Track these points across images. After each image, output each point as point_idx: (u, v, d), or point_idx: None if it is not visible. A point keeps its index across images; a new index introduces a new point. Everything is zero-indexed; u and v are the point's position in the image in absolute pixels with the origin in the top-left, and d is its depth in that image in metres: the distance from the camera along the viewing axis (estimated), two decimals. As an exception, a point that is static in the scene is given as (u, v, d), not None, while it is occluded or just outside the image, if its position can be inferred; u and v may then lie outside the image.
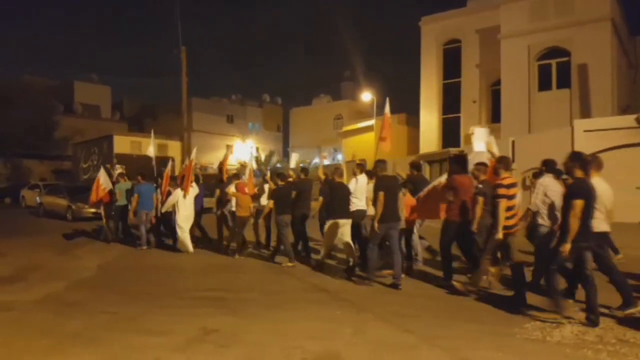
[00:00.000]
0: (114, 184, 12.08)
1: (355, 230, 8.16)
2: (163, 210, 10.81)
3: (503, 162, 6.44)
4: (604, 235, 5.82)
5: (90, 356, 4.45)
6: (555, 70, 21.76)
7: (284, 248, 9.07)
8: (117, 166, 15.44)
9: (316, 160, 42.27)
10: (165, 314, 5.89)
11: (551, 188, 6.30)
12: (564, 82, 21.40)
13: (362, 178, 8.45)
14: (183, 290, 7.28)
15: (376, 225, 7.05)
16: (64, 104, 41.78)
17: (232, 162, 43.24)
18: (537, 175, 7.14)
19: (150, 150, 13.55)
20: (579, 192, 5.18)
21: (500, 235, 5.98)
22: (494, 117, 25.22)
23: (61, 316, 5.80)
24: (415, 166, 9.41)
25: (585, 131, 15.71)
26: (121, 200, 11.70)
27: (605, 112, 19.18)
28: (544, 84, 21.93)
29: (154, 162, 13.21)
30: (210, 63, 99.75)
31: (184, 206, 10.42)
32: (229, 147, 12.51)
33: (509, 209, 6.05)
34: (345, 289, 7.10)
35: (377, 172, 7.59)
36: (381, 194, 6.99)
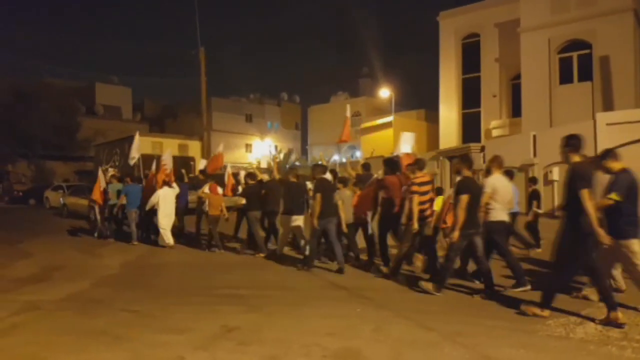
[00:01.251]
0: (107, 184, 12.81)
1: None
2: (147, 209, 11.46)
3: (418, 164, 7.42)
4: (501, 224, 6.60)
5: (113, 354, 4.52)
6: (576, 63, 21.36)
7: (256, 241, 9.87)
8: (110, 169, 16.39)
9: (335, 157, 42.25)
10: (187, 312, 5.94)
11: (497, 185, 6.68)
12: (585, 74, 21.00)
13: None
14: (203, 288, 7.36)
15: (315, 222, 8.00)
16: (85, 105, 42.53)
17: (252, 161, 43.67)
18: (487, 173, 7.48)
19: (134, 150, 14.23)
20: (465, 188, 6.06)
21: (415, 225, 6.85)
22: (515, 111, 24.91)
23: (85, 314, 5.90)
24: (365, 166, 10.03)
25: (607, 124, 15.37)
26: (113, 200, 12.46)
27: (629, 105, 18.77)
28: (565, 77, 21.54)
29: (140, 163, 14.20)
30: (228, 62, 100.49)
31: (164, 205, 11.10)
32: (219, 153, 13.40)
33: (421, 202, 6.96)
34: (364, 287, 7.08)
35: (314, 176, 8.62)
36: (318, 195, 7.95)
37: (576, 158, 5.29)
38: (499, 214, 6.50)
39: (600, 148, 14.09)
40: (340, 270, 7.95)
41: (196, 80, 27.29)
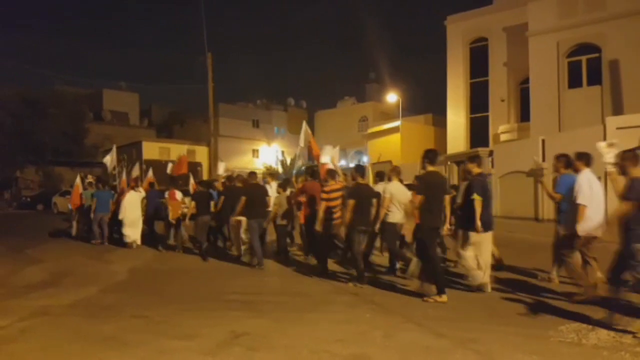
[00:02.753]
0: (84, 190, 14.17)
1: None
2: (120, 217, 12.36)
3: (330, 174, 8.35)
4: (393, 225, 7.65)
5: (122, 360, 4.49)
6: (585, 66, 21.18)
7: (204, 246, 10.61)
8: (89, 176, 17.51)
9: (342, 162, 42.21)
10: (195, 317, 5.91)
11: (394, 191, 7.69)
12: (594, 78, 20.81)
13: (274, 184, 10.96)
14: (212, 293, 7.34)
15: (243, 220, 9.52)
16: (93, 111, 42.87)
17: (259, 166, 43.69)
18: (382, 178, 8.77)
19: (107, 159, 15.34)
20: (352, 194, 7.38)
21: (318, 227, 7.96)
22: (523, 115, 24.76)
23: (93, 320, 5.88)
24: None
25: (618, 128, 15.20)
26: (87, 203, 13.64)
27: (638, 109, 18.57)
28: (574, 81, 21.37)
29: (110, 170, 15.43)
30: (236, 68, 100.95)
31: (130, 210, 12.24)
32: (183, 157, 14.68)
33: (332, 207, 8.00)
34: (373, 292, 7.02)
35: (247, 181, 10.04)
36: (243, 199, 9.28)
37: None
38: (394, 216, 7.57)
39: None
40: (258, 264, 9.10)
41: (203, 86, 27.38)
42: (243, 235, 10.41)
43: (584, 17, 20.62)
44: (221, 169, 14.12)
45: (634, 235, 4.81)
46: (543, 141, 17.54)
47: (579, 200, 5.81)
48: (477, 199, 6.34)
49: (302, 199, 9.17)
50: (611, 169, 5.30)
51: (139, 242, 12.34)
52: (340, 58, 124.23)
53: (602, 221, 5.96)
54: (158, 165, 26.01)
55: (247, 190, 9.54)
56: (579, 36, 20.95)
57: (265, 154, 48.05)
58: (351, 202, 7.23)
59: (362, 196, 7.31)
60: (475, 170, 6.76)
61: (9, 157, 34.34)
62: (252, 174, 10.42)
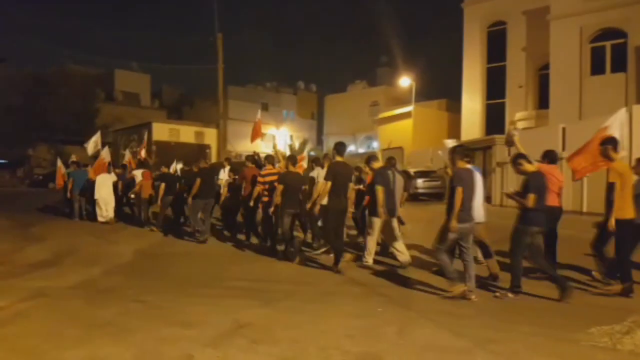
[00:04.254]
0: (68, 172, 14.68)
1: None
2: (95, 197, 13.07)
3: (268, 160, 9.50)
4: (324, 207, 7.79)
5: (118, 348, 4.22)
6: (609, 52, 20.40)
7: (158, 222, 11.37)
8: (73, 155, 17.79)
9: (351, 148, 41.72)
10: (199, 304, 5.66)
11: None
12: (619, 65, 20.06)
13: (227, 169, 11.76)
14: (217, 279, 7.10)
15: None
16: (105, 91, 42.71)
17: (267, 150, 43.36)
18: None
19: (90, 143, 15.72)
20: (281, 180, 8.13)
21: (252, 203, 9.03)
22: (542, 102, 24.09)
23: (93, 304, 5.65)
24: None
25: (644, 117, 14.62)
26: (66, 181, 14.31)
27: (665, 97, 17.95)
28: (597, 68, 20.64)
29: (90, 153, 15.62)
30: (246, 50, 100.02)
31: (102, 189, 13.07)
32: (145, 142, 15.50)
33: (266, 190, 8.74)
34: (383, 284, 6.70)
35: (199, 168, 10.66)
36: (198, 180, 10.06)
37: (338, 159, 7.60)
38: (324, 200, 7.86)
39: (638, 142, 13.46)
40: (203, 241, 9.98)
41: (214, 68, 26.96)
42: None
43: (609, 1, 19.78)
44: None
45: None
46: (563, 129, 16.99)
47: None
48: (379, 189, 7.27)
49: (241, 181, 10.08)
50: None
51: (112, 220, 13.01)
52: (352, 41, 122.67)
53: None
54: (167, 146, 25.91)
55: (201, 173, 10.40)
56: (603, 20, 20.15)
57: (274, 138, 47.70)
58: (279, 187, 8.03)
59: (290, 182, 8.06)
60: (375, 165, 7.87)
61: (22, 135, 34.41)
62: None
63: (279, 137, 46.84)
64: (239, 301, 5.75)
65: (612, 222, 5.86)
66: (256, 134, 13.32)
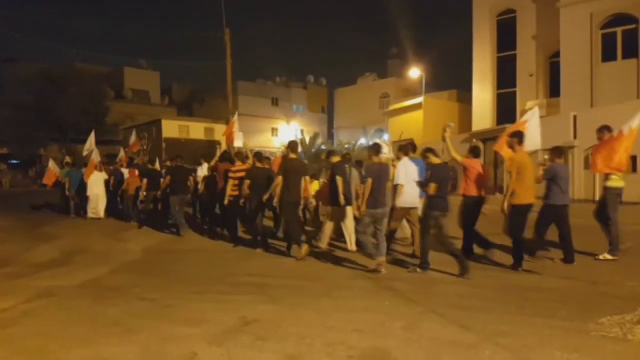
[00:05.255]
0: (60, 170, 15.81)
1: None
2: (88, 194, 13.76)
3: (239, 157, 10.17)
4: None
5: (123, 348, 4.19)
6: (621, 39, 20.09)
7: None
8: (67, 157, 19.01)
9: (362, 141, 41.53)
10: (205, 301, 5.63)
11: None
12: (630, 51, 19.73)
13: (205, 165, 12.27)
14: (225, 276, 7.06)
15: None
16: (115, 90, 42.91)
17: (278, 145, 43.36)
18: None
19: (86, 146, 15.94)
20: (248, 175, 8.90)
21: (226, 202, 9.37)
22: (553, 91, 23.76)
23: (99, 303, 5.64)
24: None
25: (657, 104, 14.35)
26: (63, 181, 15.09)
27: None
28: (609, 55, 20.32)
29: (85, 153, 16.03)
30: (255, 45, 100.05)
31: (95, 187, 13.71)
32: (139, 136, 15.79)
33: (235, 185, 9.29)
34: (392, 278, 6.61)
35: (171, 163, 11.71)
36: (168, 178, 11.01)
37: (292, 156, 8.36)
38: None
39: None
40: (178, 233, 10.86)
41: (223, 64, 26.90)
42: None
43: (620, -14, 19.44)
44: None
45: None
46: (575, 117, 16.74)
47: (398, 181, 7.27)
48: (339, 179, 7.95)
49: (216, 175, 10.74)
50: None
51: (102, 216, 13.76)
52: (362, 34, 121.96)
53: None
54: (177, 144, 25.96)
55: (172, 171, 11.24)
56: (614, 6, 19.79)
57: (285, 133, 47.65)
58: (247, 181, 8.75)
59: (255, 177, 8.77)
60: (334, 160, 8.83)
61: (33, 135, 34.70)
62: (179, 156, 11.79)
63: (290, 132, 46.89)
64: (245, 298, 5.71)
65: (503, 206, 6.73)
66: (229, 137, 14.27)
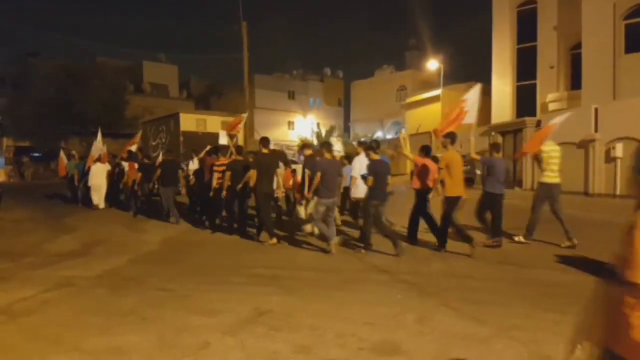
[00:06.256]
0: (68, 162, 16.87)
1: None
2: (89, 184, 14.68)
3: (222, 151, 11.16)
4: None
5: (138, 336, 4.27)
6: (644, 29, 19.54)
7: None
8: (72, 151, 19.98)
9: (379, 133, 41.32)
10: (220, 291, 5.70)
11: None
12: (654, 43, 19.20)
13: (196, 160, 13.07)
14: (240, 267, 7.12)
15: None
16: (133, 83, 43.35)
17: (294, 138, 43.32)
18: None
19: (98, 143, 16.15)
20: (228, 167, 9.64)
21: (225, 194, 9.74)
22: (574, 83, 23.28)
23: (116, 293, 5.74)
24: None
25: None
26: (70, 172, 16.35)
27: None
28: (632, 46, 19.78)
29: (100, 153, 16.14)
30: (272, 38, 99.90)
31: (96, 177, 14.59)
32: (137, 137, 17.20)
33: (220, 177, 9.98)
34: (407, 271, 6.60)
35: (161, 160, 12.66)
36: (159, 171, 11.76)
37: (264, 150, 9.00)
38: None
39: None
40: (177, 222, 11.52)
41: (240, 57, 26.97)
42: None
43: (645, -26, 18.91)
44: (223, 139, 14.74)
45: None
46: (596, 110, 16.40)
47: (352, 174, 8.73)
48: (308, 173, 8.51)
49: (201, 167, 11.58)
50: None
51: (102, 205, 14.60)
52: (379, 26, 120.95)
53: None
54: (194, 137, 26.17)
55: (162, 165, 11.94)
56: (638, -5, 19.28)
57: (301, 126, 47.66)
58: (228, 173, 9.54)
59: (235, 169, 9.47)
60: (306, 153, 9.55)
61: (54, 128, 35.30)
62: (170, 150, 12.94)
63: (306, 125, 46.92)
64: (260, 289, 5.77)
65: (443, 199, 7.62)
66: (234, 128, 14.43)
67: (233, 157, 10.25)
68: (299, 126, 47.83)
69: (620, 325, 1.71)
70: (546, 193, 8.11)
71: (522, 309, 4.80)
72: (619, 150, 15.19)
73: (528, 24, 25.33)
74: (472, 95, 8.89)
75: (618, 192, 15.18)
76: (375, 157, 7.80)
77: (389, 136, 41.99)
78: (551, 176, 8.07)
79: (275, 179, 9.14)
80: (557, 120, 8.42)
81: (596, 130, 16.25)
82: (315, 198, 8.25)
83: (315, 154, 9.23)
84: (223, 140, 13.87)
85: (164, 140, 27.97)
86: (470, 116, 8.56)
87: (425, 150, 8.86)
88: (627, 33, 19.89)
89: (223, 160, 10.49)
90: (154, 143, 30.35)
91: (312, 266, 7.09)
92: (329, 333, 4.23)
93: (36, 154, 37.38)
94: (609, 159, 15.60)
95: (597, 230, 7.18)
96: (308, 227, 9.37)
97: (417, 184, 8.49)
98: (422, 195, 8.42)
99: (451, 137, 7.81)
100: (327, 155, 8.18)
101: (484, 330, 4.23)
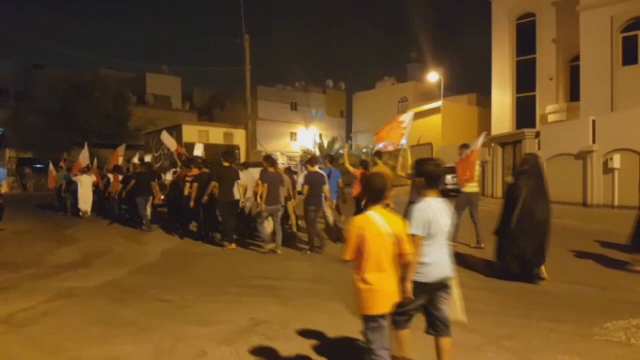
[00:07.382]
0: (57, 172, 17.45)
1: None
2: (78, 194, 15.27)
3: (194, 163, 11.47)
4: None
5: (137, 346, 4.36)
6: (642, 42, 19.71)
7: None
8: (61, 162, 19.94)
9: (380, 145, 41.46)
10: (218, 302, 5.79)
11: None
12: (651, 55, 19.36)
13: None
14: (239, 278, 7.20)
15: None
16: (136, 95, 43.68)
17: (296, 149, 43.46)
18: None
19: (84, 156, 16.95)
20: (195, 179, 10.62)
21: (192, 204, 10.44)
22: (573, 94, 23.45)
23: (116, 303, 5.83)
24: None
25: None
26: (59, 182, 16.98)
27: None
28: (629, 58, 19.97)
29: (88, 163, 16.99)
30: (274, 50, 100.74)
31: (82, 187, 15.36)
32: (120, 150, 17.22)
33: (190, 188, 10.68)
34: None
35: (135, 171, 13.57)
36: (133, 181, 12.53)
37: (225, 164, 9.85)
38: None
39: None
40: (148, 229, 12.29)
41: (243, 69, 27.24)
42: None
43: (641, -12, 19.13)
44: (198, 151, 15.82)
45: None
46: (594, 122, 16.50)
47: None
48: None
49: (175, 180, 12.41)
50: None
51: (89, 213, 15.44)
52: (381, 39, 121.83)
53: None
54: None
55: (136, 175, 12.80)
56: (635, 9, 19.48)
57: (303, 137, 47.84)
58: (195, 184, 10.43)
59: (201, 180, 10.36)
60: (265, 165, 9.76)
61: (57, 139, 35.53)
62: (155, 160, 13.26)
63: (308, 136, 47.11)
64: (257, 299, 5.85)
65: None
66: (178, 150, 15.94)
67: (202, 169, 11.01)
68: (301, 137, 48.01)
69: None
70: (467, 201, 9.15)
71: (514, 318, 4.88)
72: (616, 161, 15.26)
73: (527, 37, 25.56)
74: (408, 118, 10.10)
75: (616, 202, 15.23)
76: (312, 169, 9.08)
77: (390, 147, 42.15)
78: (472, 186, 9.12)
79: (236, 188, 9.90)
80: (478, 143, 9.21)
81: (594, 142, 16.34)
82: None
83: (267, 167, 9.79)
84: (198, 151, 15.05)
85: (166, 151, 28.18)
86: (405, 139, 9.80)
87: (364, 165, 10.50)
88: (624, 45, 20.08)
89: (195, 171, 11.11)
90: (156, 154, 30.60)
91: (307, 277, 7.17)
92: (325, 342, 4.31)
93: (38, 165, 37.60)
94: (607, 170, 15.67)
95: (590, 239, 7.24)
96: (269, 246, 9.35)
97: (356, 191, 9.80)
98: (360, 202, 9.34)
99: (379, 155, 9.66)
100: (271, 169, 9.22)
101: (476, 338, 4.30)
